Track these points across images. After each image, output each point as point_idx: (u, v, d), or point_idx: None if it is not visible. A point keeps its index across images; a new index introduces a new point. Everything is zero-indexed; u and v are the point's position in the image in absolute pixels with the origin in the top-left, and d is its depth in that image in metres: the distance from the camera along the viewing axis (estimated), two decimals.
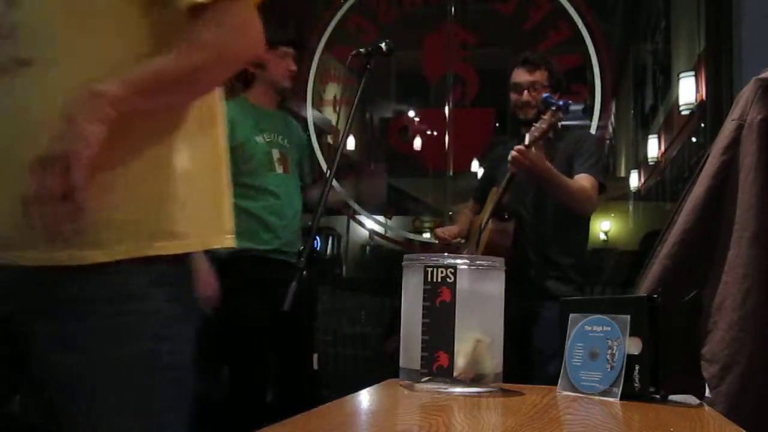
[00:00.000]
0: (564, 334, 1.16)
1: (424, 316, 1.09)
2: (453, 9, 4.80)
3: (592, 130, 4.38)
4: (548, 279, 2.55)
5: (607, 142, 5.42)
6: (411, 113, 5.28)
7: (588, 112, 4.47)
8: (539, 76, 2.65)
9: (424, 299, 1.09)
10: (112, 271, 1.06)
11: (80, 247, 1.04)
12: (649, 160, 7.52)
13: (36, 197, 0.94)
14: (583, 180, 2.55)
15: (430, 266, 1.09)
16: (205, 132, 1.17)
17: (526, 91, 2.64)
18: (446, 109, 4.71)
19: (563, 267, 2.57)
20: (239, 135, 2.66)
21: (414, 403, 1.03)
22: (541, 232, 2.60)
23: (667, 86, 6.99)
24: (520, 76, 2.67)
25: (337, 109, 4.90)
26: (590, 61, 4.47)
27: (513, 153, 2.39)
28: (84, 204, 0.96)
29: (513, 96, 2.67)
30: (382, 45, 2.25)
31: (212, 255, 2.64)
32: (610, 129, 5.24)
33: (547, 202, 2.59)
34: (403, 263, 1.15)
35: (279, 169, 2.77)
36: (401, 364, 1.13)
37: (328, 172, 2.26)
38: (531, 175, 2.47)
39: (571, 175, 2.56)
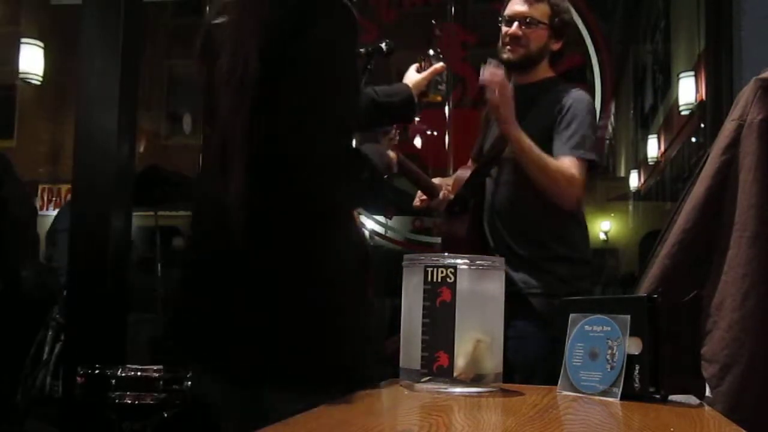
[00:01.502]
0: (564, 334, 1.16)
1: (424, 316, 1.09)
2: (453, 9, 4.80)
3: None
4: (517, 272, 2.12)
5: (607, 142, 5.42)
6: None
7: None
8: (538, 11, 2.18)
9: (424, 299, 1.09)
10: None
11: None
12: (649, 160, 7.53)
13: None
14: (566, 164, 2.08)
15: (430, 266, 1.09)
16: None
17: (516, 23, 2.18)
18: (446, 109, 4.71)
19: (537, 261, 2.15)
20: None
21: (414, 403, 1.03)
22: (512, 222, 2.21)
23: (666, 86, 6.99)
24: (514, 5, 2.21)
25: None
26: (590, 61, 4.47)
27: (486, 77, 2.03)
28: None
29: (502, 30, 2.22)
30: (382, 45, 2.24)
31: None
32: (610, 129, 5.24)
33: (523, 189, 2.18)
34: (403, 263, 1.15)
35: None
36: (401, 364, 1.13)
37: None
38: (500, 121, 2.08)
39: (546, 150, 2.13)
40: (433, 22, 2.22)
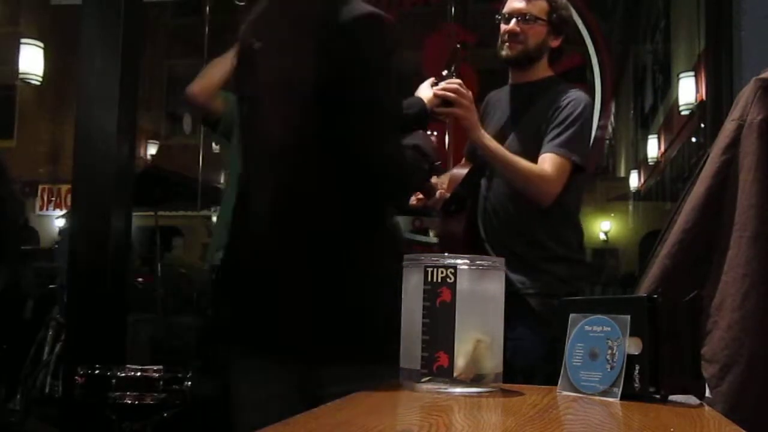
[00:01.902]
0: (564, 334, 1.16)
1: (424, 316, 1.09)
2: (453, 9, 4.81)
3: (592, 132, 4.38)
4: (514, 273, 2.09)
5: (607, 142, 5.42)
6: None
7: None
8: (536, 7, 2.19)
9: (424, 299, 1.09)
10: None
11: None
12: (649, 160, 7.54)
13: None
14: (547, 162, 2.10)
15: (430, 266, 1.09)
16: None
17: (514, 20, 2.19)
18: None
19: (534, 261, 2.14)
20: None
21: (414, 403, 1.03)
22: (508, 222, 2.20)
23: (666, 86, 6.99)
24: (512, 2, 2.22)
25: None
26: (590, 61, 4.47)
27: (447, 87, 1.99)
28: None
29: (501, 28, 2.24)
30: None
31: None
32: (610, 129, 5.24)
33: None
34: (403, 263, 1.15)
35: None
36: (401, 364, 1.13)
37: None
38: (464, 129, 2.08)
39: (538, 146, 2.15)
40: (458, 45, 2.28)
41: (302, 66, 1.36)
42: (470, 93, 2.07)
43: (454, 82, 2.02)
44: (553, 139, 2.12)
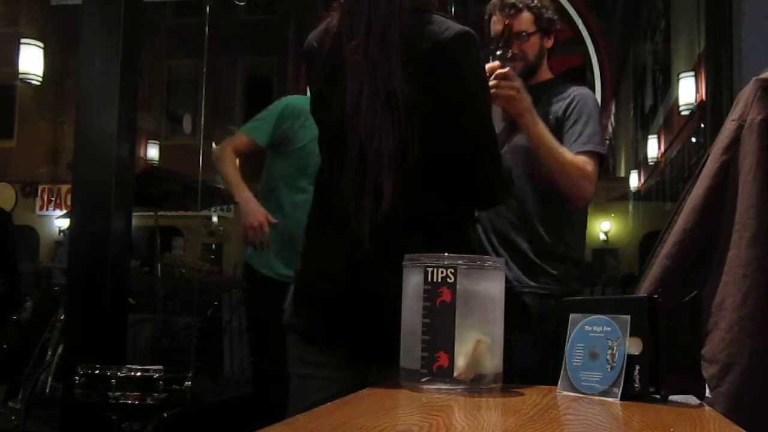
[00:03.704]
0: (564, 334, 1.16)
1: (424, 316, 1.09)
2: (453, 9, 4.80)
3: None
4: (510, 270, 2.04)
5: (607, 142, 5.42)
6: None
7: None
8: (522, 22, 2.18)
9: (424, 299, 1.09)
10: None
11: None
12: (649, 160, 7.54)
13: None
14: (580, 160, 2.07)
15: (430, 266, 1.09)
16: None
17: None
18: None
19: (531, 259, 2.10)
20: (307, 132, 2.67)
21: (414, 403, 1.03)
22: (510, 218, 2.16)
23: (667, 86, 6.99)
24: (498, 24, 2.21)
25: None
26: (590, 61, 4.48)
27: (494, 81, 1.91)
28: None
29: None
30: None
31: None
32: (610, 129, 5.24)
33: (521, 185, 2.12)
34: (403, 263, 1.15)
35: None
36: (401, 364, 1.13)
37: None
38: (514, 115, 2.00)
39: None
40: (506, 23, 2.24)
41: (403, 79, 1.37)
42: (517, 79, 2.00)
43: (499, 73, 1.95)
44: (576, 137, 2.10)
